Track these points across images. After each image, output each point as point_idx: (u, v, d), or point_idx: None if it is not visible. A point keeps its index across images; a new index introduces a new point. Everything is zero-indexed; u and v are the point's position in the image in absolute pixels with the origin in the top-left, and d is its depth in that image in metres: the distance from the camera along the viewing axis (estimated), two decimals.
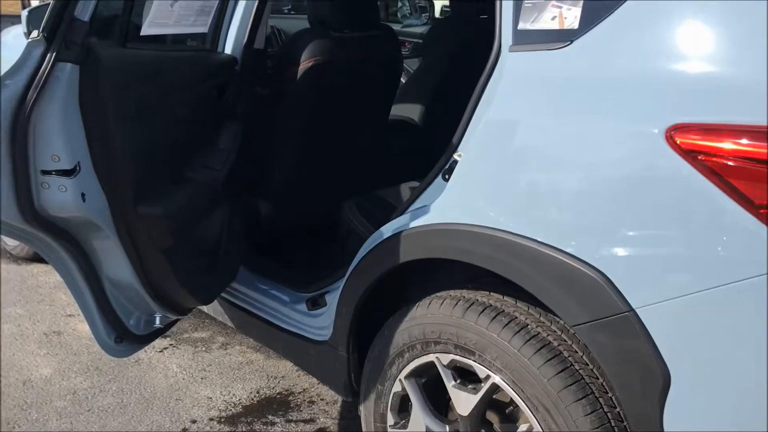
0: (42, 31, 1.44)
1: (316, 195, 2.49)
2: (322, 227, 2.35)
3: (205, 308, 2.64)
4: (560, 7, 1.54)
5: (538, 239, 1.47)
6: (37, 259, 3.79)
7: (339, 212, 2.38)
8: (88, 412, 2.57)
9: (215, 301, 2.50)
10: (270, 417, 2.57)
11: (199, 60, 2.08)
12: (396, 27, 4.13)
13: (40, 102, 1.43)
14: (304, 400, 2.67)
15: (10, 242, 3.81)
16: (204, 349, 3.03)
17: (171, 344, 3.06)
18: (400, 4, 5.46)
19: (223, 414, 2.58)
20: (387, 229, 1.83)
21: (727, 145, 1.26)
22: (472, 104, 1.64)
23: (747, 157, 1.24)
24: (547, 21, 1.55)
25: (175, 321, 2.27)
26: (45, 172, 1.50)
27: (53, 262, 1.67)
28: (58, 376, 2.78)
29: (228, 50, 2.30)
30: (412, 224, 1.73)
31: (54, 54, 1.44)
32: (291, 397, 2.69)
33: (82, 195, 1.54)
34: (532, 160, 1.52)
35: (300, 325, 2.23)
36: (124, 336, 1.89)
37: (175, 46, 2.11)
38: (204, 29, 2.04)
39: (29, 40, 1.44)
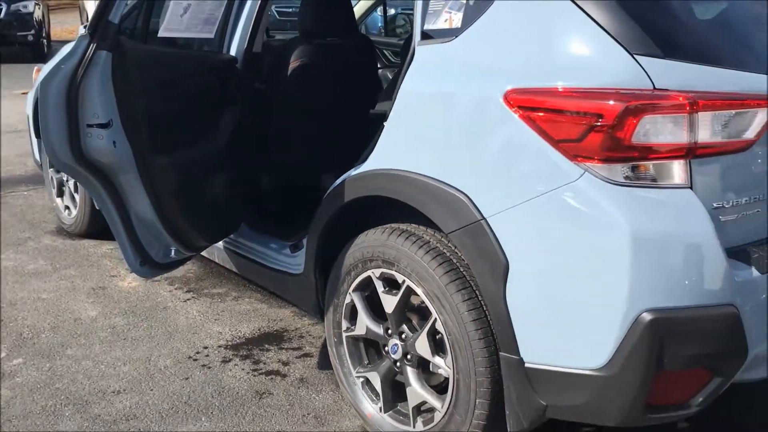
0: (87, 30, 2.13)
1: (303, 167, 3.13)
2: (307, 192, 2.99)
3: (216, 258, 3.32)
4: (450, 13, 2.17)
5: (426, 174, 2.08)
6: (87, 235, 4.53)
7: (321, 180, 3.02)
8: (124, 340, 3.26)
9: (223, 251, 3.17)
10: (266, 345, 3.21)
11: (205, 58, 2.76)
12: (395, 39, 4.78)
13: (85, 78, 2.12)
14: (296, 335, 3.30)
15: (67, 221, 4.55)
16: (220, 300, 3.70)
17: (193, 296, 3.74)
18: (403, 21, 6.14)
19: (230, 343, 3.23)
20: (338, 180, 2.46)
21: (539, 100, 1.86)
22: (397, 85, 2.27)
23: (549, 109, 1.84)
24: (441, 23, 2.18)
25: (190, 257, 2.93)
26: (89, 126, 2.19)
27: (94, 196, 2.34)
28: (101, 316, 3.48)
29: (232, 53, 2.99)
30: (352, 173, 2.37)
31: (95, 45, 2.14)
32: (285, 333, 3.32)
33: (114, 143, 2.22)
34: (424, 120, 2.14)
35: (284, 264, 2.88)
36: (146, 260, 2.55)
37: (188, 48, 2.80)
38: (210, 35, 2.72)
39: (79, 35, 2.14)
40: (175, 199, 2.51)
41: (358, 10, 5.53)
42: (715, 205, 1.85)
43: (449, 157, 2.07)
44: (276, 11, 9.07)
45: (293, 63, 3.06)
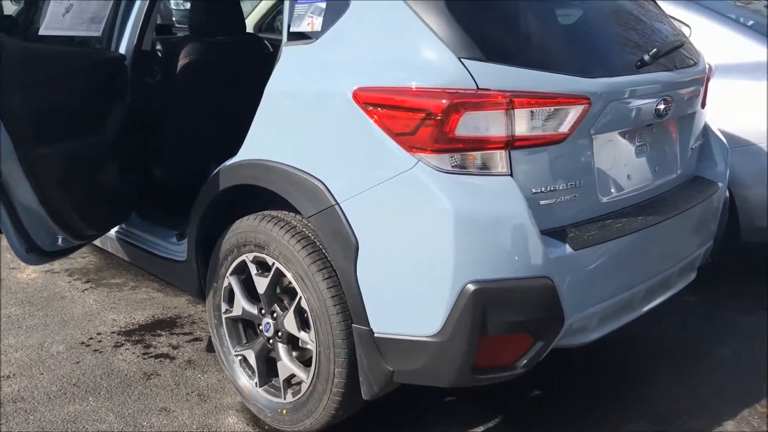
0: None
1: (191, 158, 3.27)
2: (195, 183, 3.13)
3: (109, 248, 3.44)
4: (312, 17, 2.37)
5: (288, 163, 2.28)
6: None
7: (208, 171, 3.18)
8: (18, 328, 3.34)
9: (115, 240, 3.29)
10: (158, 331, 3.35)
11: (91, 55, 2.88)
12: None
13: None
14: (188, 321, 3.45)
15: None
16: (117, 289, 3.81)
17: (91, 286, 3.83)
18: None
19: (123, 330, 3.35)
20: (215, 171, 2.63)
21: (381, 98, 2.08)
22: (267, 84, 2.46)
23: (389, 105, 2.07)
24: (305, 26, 2.38)
25: (81, 245, 3.04)
26: None
27: None
28: None
29: (122, 50, 3.11)
30: (227, 164, 2.55)
31: None
32: (178, 320, 3.47)
33: None
34: (287, 114, 2.34)
35: (171, 252, 3.03)
36: (33, 248, 2.66)
37: (74, 44, 2.91)
38: (98, 34, 2.85)
39: None
40: (60, 189, 2.63)
41: (262, 8, 5.69)
42: (534, 190, 2.12)
43: (308, 148, 2.27)
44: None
45: (182, 60, 3.21)
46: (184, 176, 3.36)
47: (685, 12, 3.99)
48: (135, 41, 3.11)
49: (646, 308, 2.53)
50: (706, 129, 2.96)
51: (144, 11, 3.09)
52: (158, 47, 3.97)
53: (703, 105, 2.81)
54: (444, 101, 1.99)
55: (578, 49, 2.33)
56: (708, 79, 2.79)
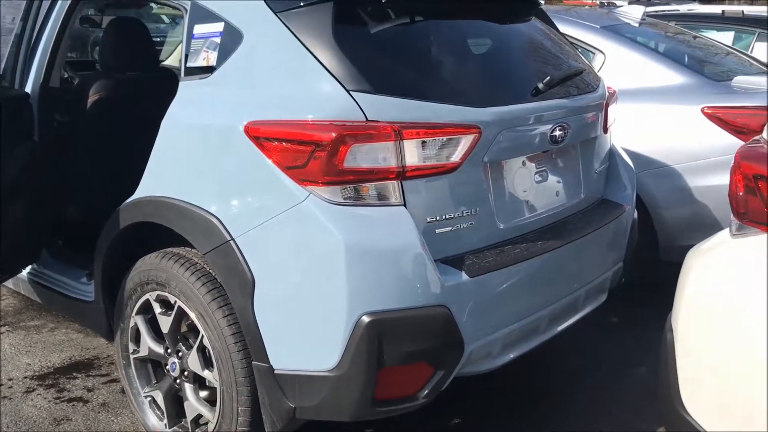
0: None
1: (102, 196, 3.21)
2: (105, 221, 3.08)
3: (21, 290, 3.34)
4: (207, 52, 2.36)
5: (183, 199, 2.26)
6: None
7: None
8: None
9: (27, 282, 3.20)
10: (74, 374, 3.25)
11: None
12: None
13: None
14: (106, 362, 3.36)
15: None
16: (35, 332, 3.69)
17: (8, 330, 3.71)
18: None
19: (37, 374, 3.25)
20: (116, 209, 2.59)
21: (271, 131, 2.08)
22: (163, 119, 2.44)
23: (279, 139, 2.07)
24: (201, 61, 2.37)
25: None
26: None
27: None
28: None
29: (28, 88, 3.06)
30: (126, 202, 2.51)
31: None
32: (96, 361, 3.37)
33: None
34: (182, 149, 2.33)
35: (80, 292, 2.96)
36: None
37: None
38: None
39: None
40: None
41: None
42: (428, 219, 2.13)
43: (202, 183, 2.25)
44: None
45: (92, 96, 3.16)
46: (98, 213, 3.30)
47: (600, 39, 4.11)
48: (42, 78, 3.06)
49: (553, 332, 2.55)
50: (613, 152, 3.03)
51: (50, 49, 3.04)
52: (77, 82, 3.92)
53: (605, 130, 2.87)
54: (332, 133, 2.00)
55: (471, 79, 2.37)
56: (608, 105, 2.86)
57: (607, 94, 2.85)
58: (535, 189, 2.48)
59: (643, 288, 3.68)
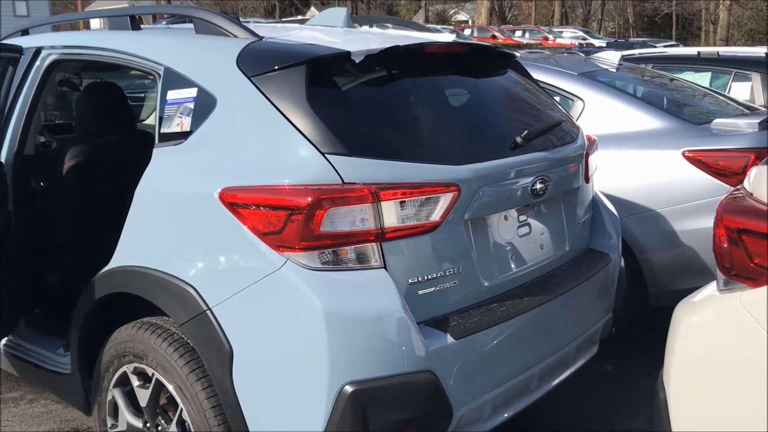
0: None
1: (81, 264, 3.15)
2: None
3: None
4: (181, 117, 2.34)
5: (158, 268, 2.20)
6: None
7: None
8: None
9: (3, 354, 3.10)
10: None
11: None
12: None
13: None
14: None
15: None
16: (13, 405, 3.57)
17: None
18: None
19: None
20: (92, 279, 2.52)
21: (246, 197, 2.04)
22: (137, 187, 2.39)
23: (254, 205, 2.02)
24: (174, 127, 2.34)
25: None
26: None
27: None
28: None
29: (2, 157, 3.02)
30: (101, 272, 2.45)
31: None
32: None
33: None
34: (156, 217, 2.28)
35: (58, 364, 2.86)
36: None
37: None
38: None
39: None
40: None
41: None
42: (410, 281, 2.08)
43: (177, 251, 2.20)
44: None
45: (68, 162, 3.12)
46: (78, 281, 3.23)
47: (579, 87, 4.13)
48: (16, 146, 3.02)
49: (545, 389, 2.48)
50: (596, 201, 3.00)
51: (24, 115, 3.01)
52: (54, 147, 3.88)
53: (586, 179, 2.85)
54: (308, 197, 1.96)
55: (448, 136, 2.34)
56: (588, 155, 2.84)
57: (586, 143, 2.84)
58: (518, 243, 2.44)
59: (635, 335, 3.62)
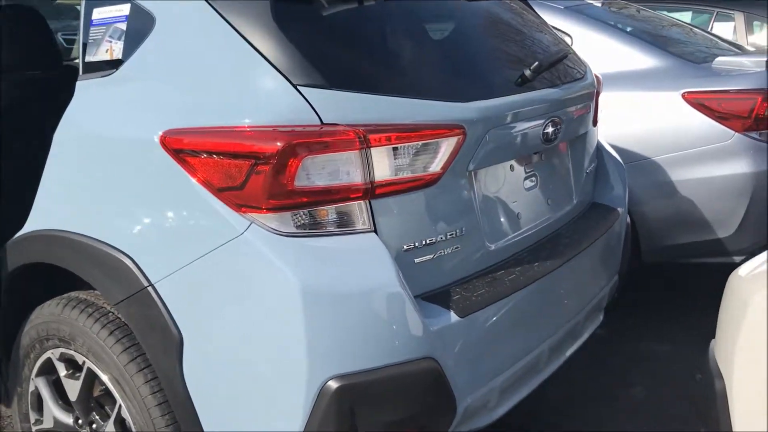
0: None
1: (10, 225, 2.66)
2: None
3: None
4: (111, 42, 1.84)
5: (85, 233, 1.74)
6: None
7: None
8: None
9: None
10: None
11: None
12: None
13: None
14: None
15: None
16: None
17: None
18: None
19: None
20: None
21: (196, 142, 1.58)
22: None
23: (207, 152, 1.57)
24: (102, 53, 1.85)
25: None
26: None
27: None
28: None
29: None
30: (13, 238, 1.97)
31: None
32: None
33: None
34: (81, 168, 1.80)
35: None
36: None
37: None
38: None
39: None
40: None
41: None
42: (405, 247, 1.67)
43: (108, 212, 1.73)
44: (62, 39, 8.27)
45: None
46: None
47: (565, 21, 3.72)
48: None
49: (555, 366, 2.14)
50: (600, 149, 2.63)
51: None
52: None
53: (594, 122, 2.47)
54: (277, 142, 1.52)
55: (447, 68, 1.90)
56: (598, 93, 2.46)
57: (596, 81, 2.45)
58: (525, 198, 2.06)
59: (625, 294, 3.32)
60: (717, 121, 3.23)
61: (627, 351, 3.13)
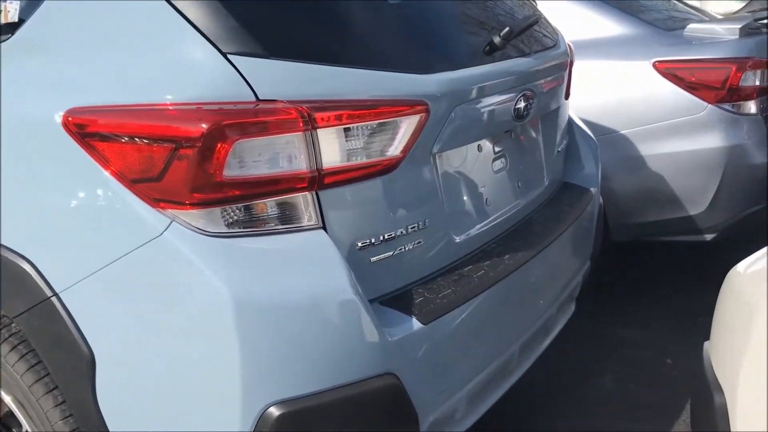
0: None
1: None
2: None
3: None
4: (6, 2, 1.54)
5: None
6: None
7: None
8: None
9: None
10: None
11: None
12: None
13: None
14: None
15: None
16: None
17: None
18: None
19: None
20: None
21: (104, 124, 1.30)
22: None
23: (117, 135, 1.29)
24: None
25: None
26: None
27: None
28: None
29: None
30: None
31: None
32: None
33: None
34: None
35: None
36: None
37: None
38: None
39: None
40: None
41: None
42: (360, 244, 1.43)
43: (6, 209, 1.44)
44: None
45: None
46: None
47: None
48: None
49: (525, 367, 1.94)
50: (571, 124, 2.42)
51: None
52: None
53: (566, 96, 2.25)
54: (202, 123, 1.25)
55: (407, 34, 1.64)
56: (572, 63, 2.23)
57: (569, 49, 2.23)
58: (493, 182, 1.83)
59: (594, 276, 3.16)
60: (689, 92, 3.05)
61: (595, 338, 2.97)
